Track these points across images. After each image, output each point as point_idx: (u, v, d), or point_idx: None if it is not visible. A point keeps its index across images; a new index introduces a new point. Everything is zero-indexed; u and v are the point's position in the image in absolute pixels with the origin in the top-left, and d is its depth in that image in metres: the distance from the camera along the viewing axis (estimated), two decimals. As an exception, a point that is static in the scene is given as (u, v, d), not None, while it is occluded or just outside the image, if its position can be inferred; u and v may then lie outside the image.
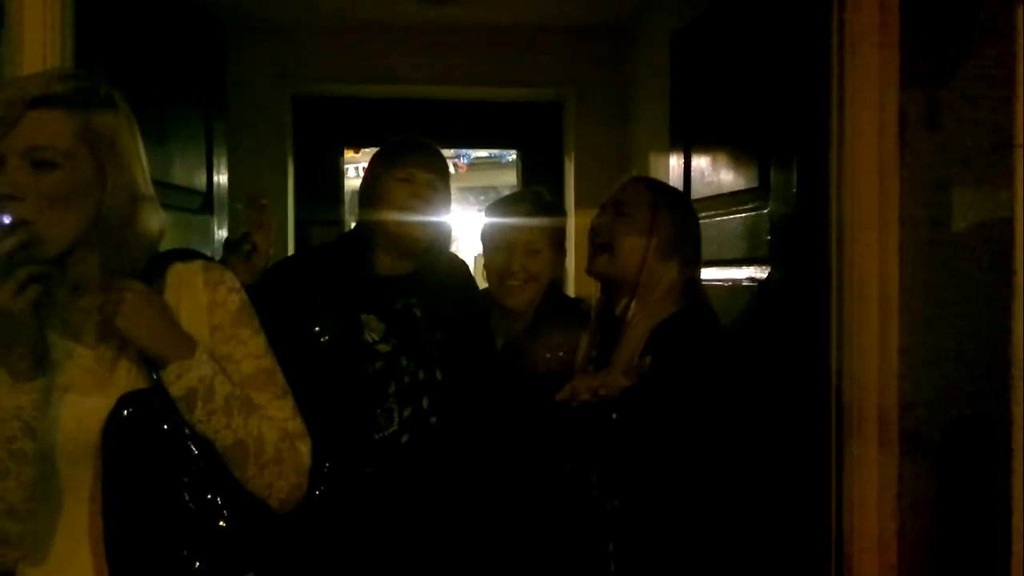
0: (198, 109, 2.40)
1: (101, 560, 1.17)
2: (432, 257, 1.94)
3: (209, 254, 2.39)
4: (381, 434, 1.79)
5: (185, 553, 1.18)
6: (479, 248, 2.20)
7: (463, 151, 6.01)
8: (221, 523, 1.21)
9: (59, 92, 1.16)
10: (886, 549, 1.81)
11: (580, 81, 3.72)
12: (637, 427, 1.66)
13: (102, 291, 1.20)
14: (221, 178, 2.55)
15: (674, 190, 1.94)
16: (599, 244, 1.78)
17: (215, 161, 2.48)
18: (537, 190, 2.24)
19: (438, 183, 1.88)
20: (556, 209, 2.16)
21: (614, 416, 1.68)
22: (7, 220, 1.10)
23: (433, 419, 1.83)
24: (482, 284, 2.15)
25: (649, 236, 1.75)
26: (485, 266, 2.12)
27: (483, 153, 6.05)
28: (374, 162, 1.93)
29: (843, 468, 1.84)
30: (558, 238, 2.09)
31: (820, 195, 1.88)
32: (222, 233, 2.54)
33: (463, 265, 2.09)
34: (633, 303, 1.78)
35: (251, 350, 1.28)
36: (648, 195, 1.81)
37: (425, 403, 1.83)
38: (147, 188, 1.25)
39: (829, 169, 1.84)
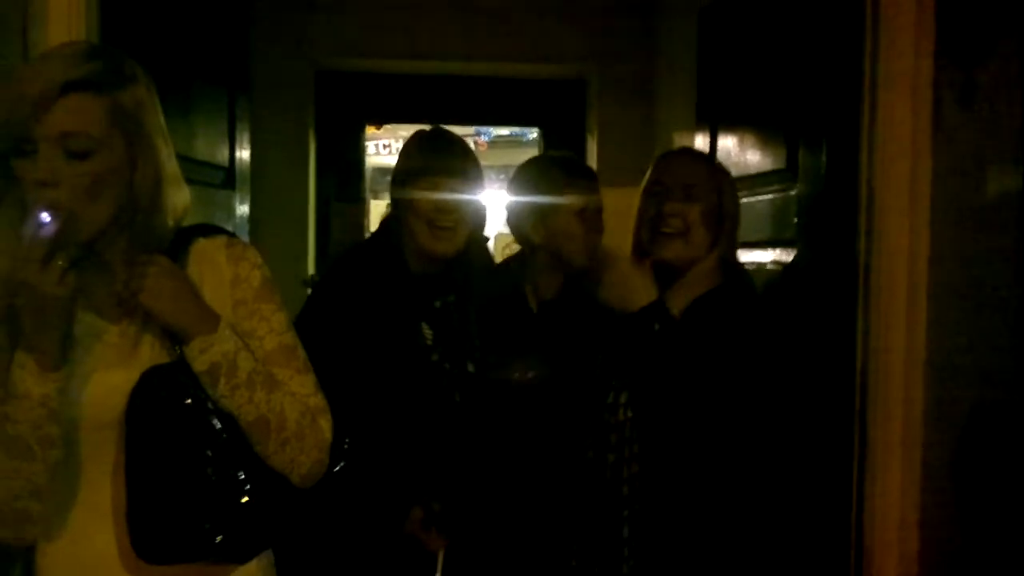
0: (221, 83, 2.38)
1: (123, 533, 1.18)
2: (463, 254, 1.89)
3: (231, 229, 2.43)
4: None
5: (207, 527, 1.19)
6: (498, 227, 2.16)
7: (483, 129, 5.97)
8: (243, 498, 1.21)
9: (89, 75, 1.14)
10: (906, 540, 1.80)
11: (605, 58, 3.67)
12: (667, 397, 1.64)
13: (127, 267, 1.20)
14: (243, 153, 2.54)
15: (725, 168, 1.89)
16: (670, 227, 1.70)
17: (238, 136, 2.47)
18: (565, 154, 2.20)
19: (465, 188, 1.81)
20: (592, 173, 2.11)
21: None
22: (44, 207, 1.09)
23: (464, 412, 1.82)
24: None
25: (721, 220, 1.73)
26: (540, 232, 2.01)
27: (503, 131, 6.00)
28: (401, 161, 1.88)
29: (866, 457, 1.82)
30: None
31: (849, 177, 1.84)
32: (244, 208, 2.53)
33: (482, 242, 2.07)
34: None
35: (274, 326, 1.28)
36: (710, 173, 1.77)
37: (456, 398, 1.82)
38: (172, 164, 1.25)
39: (859, 150, 1.81)
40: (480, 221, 1.89)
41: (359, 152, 3.88)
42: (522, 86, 3.88)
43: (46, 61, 1.17)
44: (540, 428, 1.89)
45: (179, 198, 1.26)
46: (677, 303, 1.69)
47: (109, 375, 1.19)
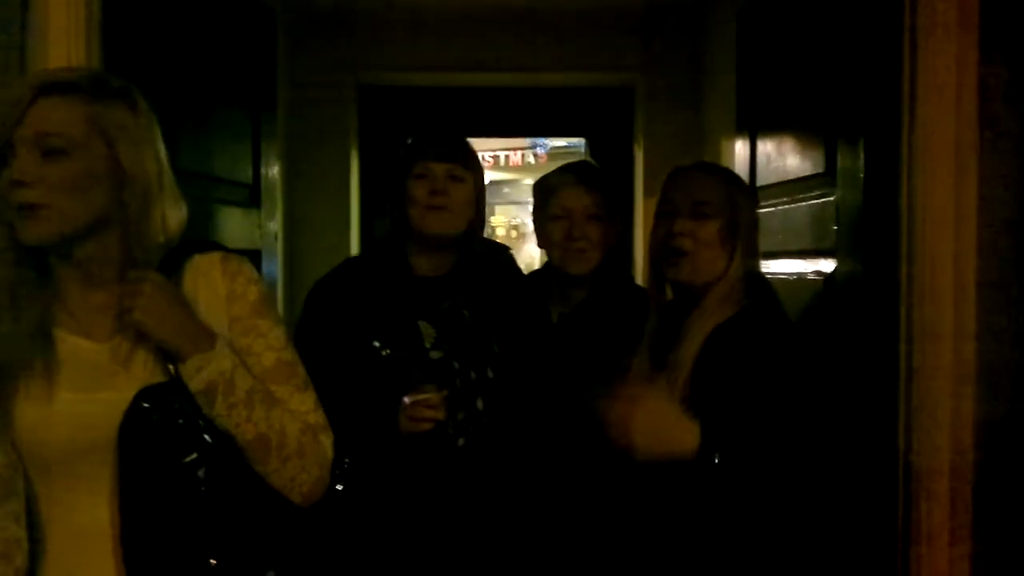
0: (244, 101, 2.37)
1: (120, 558, 1.15)
2: (469, 249, 1.89)
3: (256, 247, 2.43)
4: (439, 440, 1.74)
5: (203, 550, 1.16)
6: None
7: (540, 141, 5.92)
8: (240, 519, 1.18)
9: (70, 79, 1.14)
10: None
11: (651, 65, 3.55)
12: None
13: (116, 282, 1.18)
14: (271, 170, 2.53)
15: (740, 179, 1.75)
16: (678, 244, 1.59)
17: (264, 154, 2.46)
18: (583, 160, 2.17)
19: (458, 171, 1.80)
20: (604, 176, 2.06)
21: None
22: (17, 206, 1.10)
23: (487, 419, 1.79)
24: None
25: (734, 240, 1.59)
26: (543, 241, 2.01)
27: (560, 143, 5.94)
28: (398, 160, 1.88)
29: (911, 505, 1.66)
30: (611, 205, 1.97)
31: (890, 180, 1.70)
32: (271, 225, 2.52)
33: (504, 250, 2.06)
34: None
35: (271, 342, 1.25)
36: (726, 190, 1.62)
37: (480, 404, 1.79)
38: (167, 180, 1.23)
39: (900, 151, 1.67)
40: (481, 208, 1.87)
41: (404, 167, 3.85)
42: (568, 96, 3.79)
43: (32, 73, 1.17)
44: (562, 439, 1.83)
45: (174, 214, 1.24)
46: (695, 337, 1.56)
47: (99, 396, 1.16)
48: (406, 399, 1.69)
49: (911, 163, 1.65)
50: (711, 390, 1.50)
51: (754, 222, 1.66)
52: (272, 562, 1.25)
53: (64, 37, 1.61)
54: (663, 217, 1.64)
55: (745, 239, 1.61)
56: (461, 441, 1.77)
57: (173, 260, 1.24)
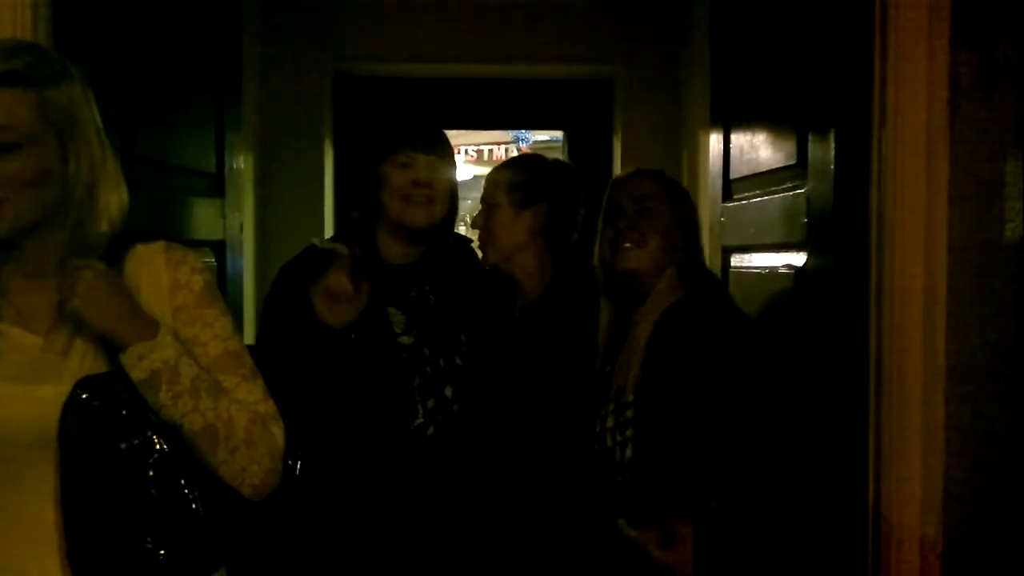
0: (206, 86, 2.31)
1: (64, 555, 1.12)
2: (438, 240, 1.88)
3: (219, 238, 2.38)
4: (409, 427, 1.74)
5: (149, 544, 1.12)
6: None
7: (523, 135, 5.89)
8: (189, 512, 1.15)
9: (15, 68, 1.10)
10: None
11: (631, 57, 3.51)
12: (651, 423, 1.60)
13: (58, 274, 1.14)
14: (235, 159, 2.47)
15: (676, 180, 1.88)
16: (627, 240, 1.71)
17: (227, 142, 2.40)
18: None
19: (439, 164, 1.81)
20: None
21: (630, 413, 1.63)
22: None
23: (456, 407, 1.77)
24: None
25: (676, 228, 1.72)
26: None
27: (543, 136, 5.91)
28: (375, 145, 1.87)
29: (880, 476, 1.63)
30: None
31: (860, 170, 1.67)
32: (236, 216, 2.46)
33: (468, 242, 2.04)
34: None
35: (217, 332, 1.23)
36: (664, 188, 1.77)
37: (448, 392, 1.78)
38: (110, 164, 1.21)
39: (870, 141, 1.63)
40: (454, 201, 1.88)
41: (381, 159, 3.80)
42: (547, 88, 3.75)
43: None
44: (533, 424, 1.83)
45: (116, 199, 1.21)
46: (644, 325, 1.67)
47: (37, 389, 1.13)
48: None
49: (881, 150, 1.61)
50: (661, 372, 1.60)
51: (694, 217, 1.79)
52: (223, 557, 1.22)
53: (10, 11, 1.56)
54: (609, 219, 1.75)
55: (686, 232, 1.73)
56: (431, 430, 1.75)
57: (115, 251, 1.21)
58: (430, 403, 1.76)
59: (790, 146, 1.97)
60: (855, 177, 1.68)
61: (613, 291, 1.77)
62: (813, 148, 1.85)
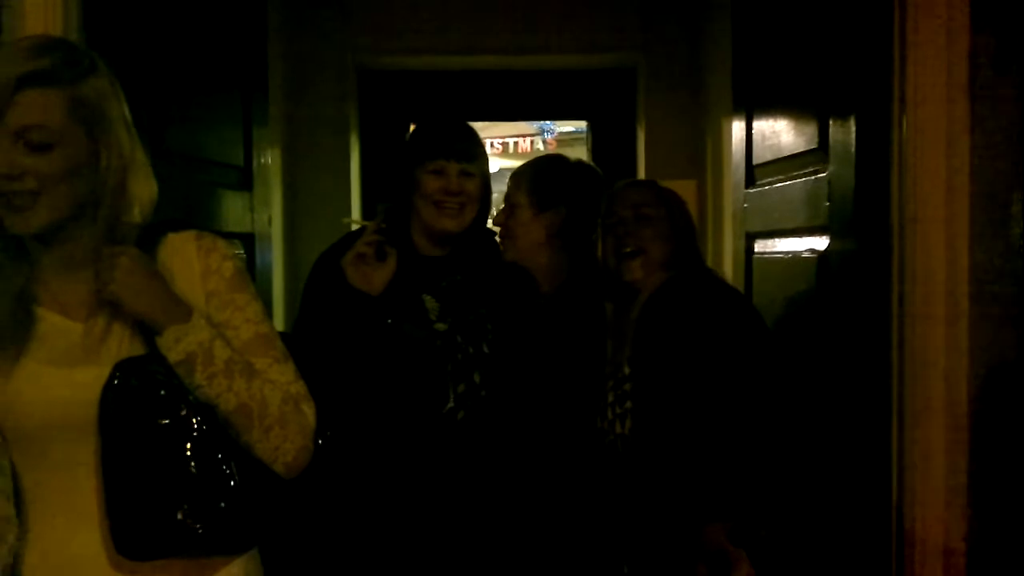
0: (233, 81, 2.34)
1: (106, 532, 1.16)
2: (469, 237, 1.93)
3: (249, 231, 2.42)
4: (440, 411, 1.77)
5: (188, 519, 1.16)
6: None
7: (547, 126, 5.88)
8: (227, 489, 1.18)
9: (46, 68, 1.13)
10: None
11: (653, 45, 3.50)
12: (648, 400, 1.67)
13: (93, 263, 1.18)
14: (263, 153, 2.50)
15: (669, 188, 1.93)
16: (628, 251, 1.80)
17: (255, 136, 2.44)
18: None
19: (472, 170, 1.85)
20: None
21: (628, 386, 1.71)
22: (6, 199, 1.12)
23: (483, 393, 1.81)
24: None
25: (673, 232, 1.81)
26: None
27: (568, 128, 5.90)
28: (408, 146, 1.92)
29: (904, 460, 1.63)
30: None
31: (881, 153, 1.67)
32: (264, 209, 2.50)
33: (493, 235, 2.06)
34: None
35: (249, 315, 1.25)
36: (659, 196, 1.85)
37: (476, 378, 1.81)
38: (139, 154, 1.23)
39: (891, 122, 1.63)
40: (486, 199, 1.92)
41: (405, 152, 3.82)
42: (570, 78, 3.75)
43: (4, 61, 1.15)
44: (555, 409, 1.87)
45: (146, 189, 1.25)
46: (636, 307, 1.77)
47: (77, 373, 1.17)
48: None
49: (902, 133, 1.61)
50: (652, 342, 1.69)
51: (689, 221, 1.87)
52: (257, 534, 1.26)
53: (41, 8, 1.60)
54: (610, 229, 1.83)
55: (683, 235, 1.83)
56: (461, 414, 1.79)
57: (147, 239, 1.24)
58: (460, 388, 1.79)
59: (811, 130, 1.97)
60: (876, 160, 1.69)
61: (616, 294, 1.87)
62: (834, 131, 1.85)
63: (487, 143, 1.93)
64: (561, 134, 5.99)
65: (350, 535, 1.79)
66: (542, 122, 6.04)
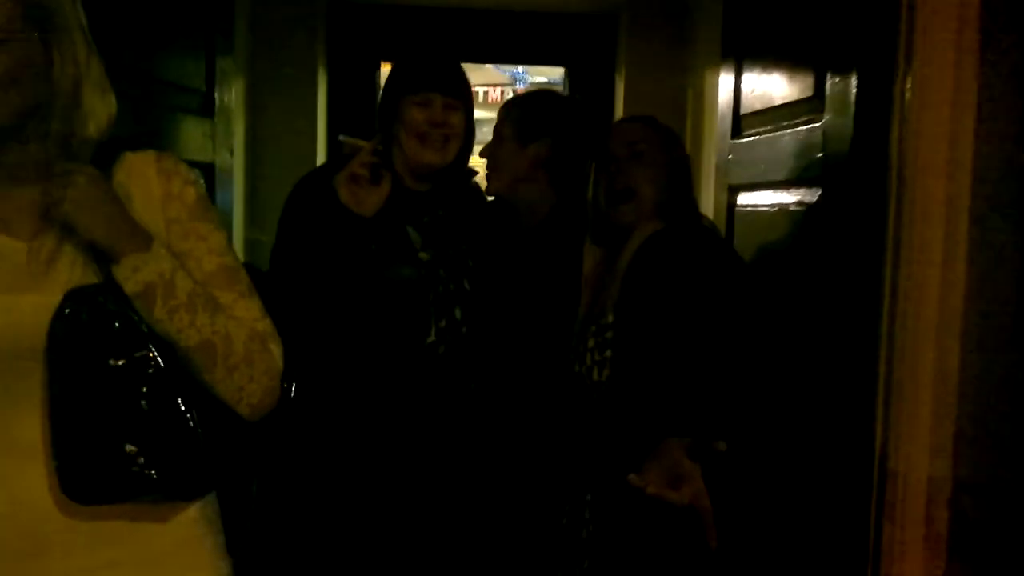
0: (198, 6, 2.20)
1: (52, 472, 1.08)
2: (452, 174, 1.88)
3: (210, 160, 2.29)
4: (422, 344, 1.75)
5: (141, 461, 1.08)
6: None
7: (520, 74, 5.74)
8: (185, 431, 1.10)
9: None
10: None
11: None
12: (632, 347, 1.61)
13: (43, 178, 1.09)
14: (225, 80, 2.37)
15: (666, 125, 1.87)
16: (620, 190, 1.74)
17: (218, 62, 2.30)
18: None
19: (457, 104, 1.80)
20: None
21: (609, 334, 1.66)
22: None
23: (464, 329, 1.79)
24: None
25: (666, 172, 1.74)
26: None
27: (542, 79, 5.77)
28: (392, 77, 1.85)
29: (889, 428, 1.59)
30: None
31: (882, 99, 1.59)
32: (227, 139, 2.37)
33: (472, 174, 2.02)
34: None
35: (212, 246, 1.19)
36: (655, 134, 1.78)
37: (457, 313, 1.79)
38: (96, 67, 1.14)
39: (895, 70, 1.55)
40: (470, 136, 1.88)
41: (374, 90, 3.67)
42: (548, 21, 3.62)
43: None
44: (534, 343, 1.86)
45: (103, 104, 1.15)
46: (626, 254, 1.71)
47: (21, 299, 1.07)
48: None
49: (905, 85, 1.54)
50: (639, 291, 1.63)
51: (685, 162, 1.79)
52: (216, 479, 1.19)
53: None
54: (602, 166, 1.77)
55: (677, 176, 1.75)
56: (442, 348, 1.77)
57: (102, 159, 1.15)
58: (442, 323, 1.77)
59: (807, 77, 1.89)
60: (877, 109, 1.61)
61: (604, 237, 1.80)
62: (832, 76, 1.77)
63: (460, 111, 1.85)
64: (535, 85, 5.87)
65: (320, 468, 1.76)
66: (516, 71, 5.89)
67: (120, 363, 1.08)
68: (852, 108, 1.68)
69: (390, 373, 1.75)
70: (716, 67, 2.68)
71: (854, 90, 1.68)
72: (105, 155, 1.15)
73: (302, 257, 1.69)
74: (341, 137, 1.75)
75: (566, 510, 1.72)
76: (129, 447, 1.08)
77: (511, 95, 6.74)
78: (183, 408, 1.10)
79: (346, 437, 1.75)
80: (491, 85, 6.64)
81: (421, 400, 1.77)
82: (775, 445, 1.69)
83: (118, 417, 1.08)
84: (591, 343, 1.70)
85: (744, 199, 2.26)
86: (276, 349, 1.21)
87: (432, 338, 1.76)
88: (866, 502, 1.63)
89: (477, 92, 6.90)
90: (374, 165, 1.68)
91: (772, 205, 2.07)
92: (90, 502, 1.09)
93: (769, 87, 2.11)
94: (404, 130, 1.78)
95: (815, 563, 1.74)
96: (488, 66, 5.67)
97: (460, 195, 1.92)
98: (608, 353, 1.66)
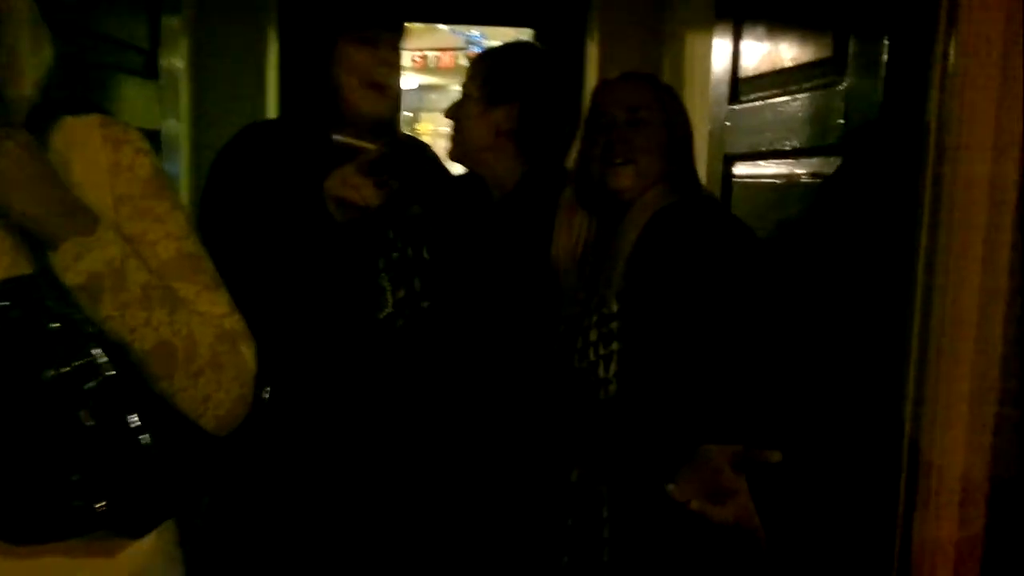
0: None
1: None
2: (388, 134, 1.67)
3: (156, 127, 2.06)
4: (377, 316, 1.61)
5: (85, 497, 0.93)
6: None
7: (476, 37, 5.49)
8: (137, 456, 0.95)
9: None
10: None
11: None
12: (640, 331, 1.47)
13: None
14: (171, 39, 2.13)
15: (666, 84, 1.68)
16: (618, 162, 1.54)
17: (163, 17, 2.06)
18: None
19: (402, 45, 1.64)
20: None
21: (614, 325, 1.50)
22: None
23: (425, 304, 1.66)
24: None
25: (670, 141, 1.56)
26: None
27: (497, 43, 5.54)
28: (328, 12, 1.63)
29: (920, 423, 1.47)
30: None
31: (919, 61, 1.45)
32: (173, 103, 2.14)
33: (427, 147, 1.89)
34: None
35: (170, 229, 1.03)
36: (656, 94, 1.59)
37: (416, 284, 1.66)
38: (27, 6, 0.97)
39: (937, 22, 1.41)
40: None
41: (330, 62, 3.44)
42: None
43: None
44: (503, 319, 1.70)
45: (37, 55, 0.98)
46: (631, 232, 1.53)
47: None
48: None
49: (947, 46, 1.40)
50: (648, 278, 1.47)
51: (688, 129, 1.62)
52: (173, 506, 1.03)
53: None
54: (596, 130, 1.58)
55: (681, 145, 1.58)
56: (400, 322, 1.63)
57: (36, 124, 0.97)
58: (400, 293, 1.62)
59: (824, 36, 1.74)
60: (912, 72, 1.47)
61: (595, 203, 1.61)
62: (857, 37, 1.62)
63: (403, 56, 1.68)
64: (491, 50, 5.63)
65: (275, 472, 1.59)
66: (471, 33, 5.63)
67: (59, 372, 0.92)
68: (882, 70, 1.54)
69: (341, 349, 1.58)
70: (705, 28, 2.53)
71: (885, 50, 1.53)
72: (39, 119, 0.97)
73: (233, 217, 1.51)
74: (335, 136, 1.57)
75: (571, 509, 1.57)
76: (70, 477, 0.92)
77: (464, 60, 6.50)
78: (136, 426, 0.95)
79: (302, 427, 1.58)
80: (440, 49, 6.36)
81: (379, 382, 1.61)
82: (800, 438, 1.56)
83: (56, 439, 0.92)
84: (593, 335, 1.53)
85: (742, 169, 2.12)
86: (248, 351, 1.06)
87: (389, 309, 1.61)
88: (895, 494, 1.52)
89: (426, 56, 6.64)
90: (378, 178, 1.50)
91: (778, 176, 1.93)
92: (26, 542, 0.93)
93: (776, 48, 1.96)
94: (345, 75, 1.58)
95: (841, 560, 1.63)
96: (440, 26, 5.39)
97: (409, 160, 1.73)
98: (615, 346, 1.50)
